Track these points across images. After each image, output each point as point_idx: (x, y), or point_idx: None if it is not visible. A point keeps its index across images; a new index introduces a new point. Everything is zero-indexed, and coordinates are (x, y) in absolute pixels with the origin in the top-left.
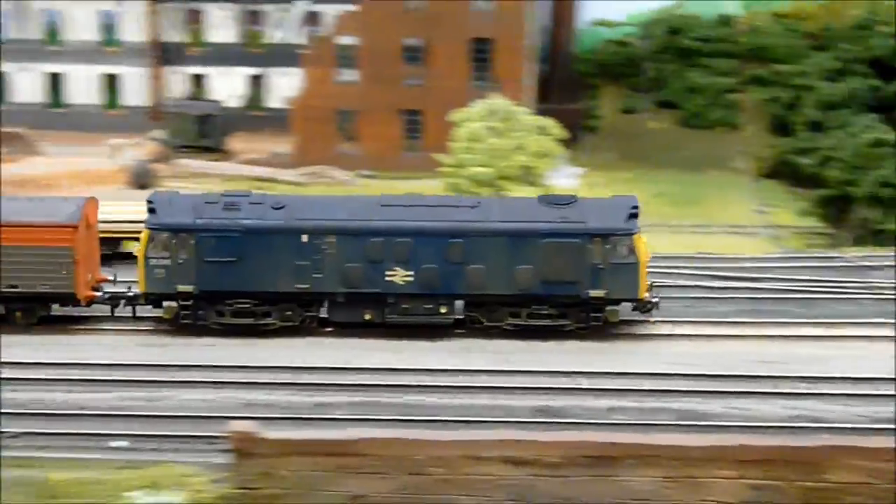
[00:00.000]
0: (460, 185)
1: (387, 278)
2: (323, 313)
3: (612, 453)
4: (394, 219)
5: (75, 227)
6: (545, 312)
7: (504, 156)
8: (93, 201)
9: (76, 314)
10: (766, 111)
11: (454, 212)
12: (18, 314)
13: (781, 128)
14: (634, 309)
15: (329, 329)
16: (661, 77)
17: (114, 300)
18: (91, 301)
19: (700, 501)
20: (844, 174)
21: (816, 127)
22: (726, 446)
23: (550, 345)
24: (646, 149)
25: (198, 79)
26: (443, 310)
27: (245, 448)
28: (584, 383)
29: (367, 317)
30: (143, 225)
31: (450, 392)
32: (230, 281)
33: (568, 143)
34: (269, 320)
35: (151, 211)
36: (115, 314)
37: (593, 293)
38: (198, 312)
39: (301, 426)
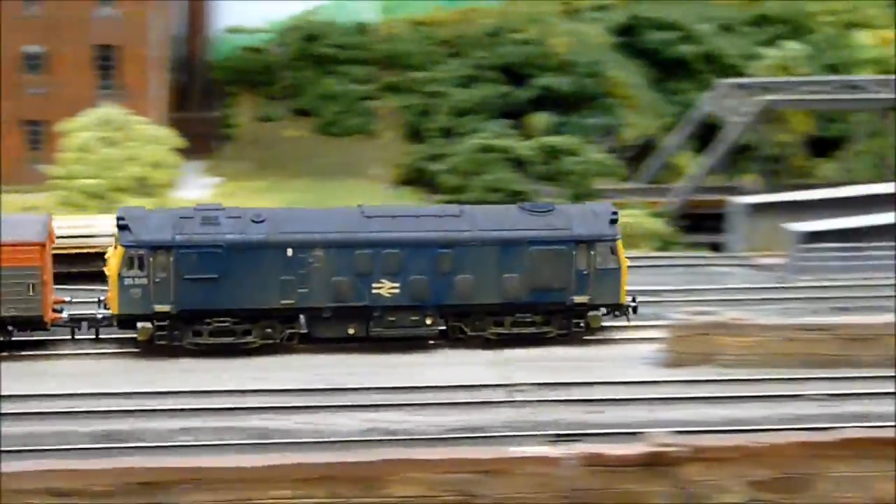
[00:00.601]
0: (71, 197)
1: (373, 291)
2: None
3: (162, 479)
4: (381, 230)
5: (43, 245)
6: (529, 320)
7: (116, 167)
8: (50, 218)
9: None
10: (401, 118)
11: (440, 222)
12: None
13: (417, 135)
14: (609, 313)
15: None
16: (297, 84)
17: (76, 322)
18: (54, 323)
19: None
20: (458, 180)
21: (449, 133)
22: (282, 465)
23: (115, 363)
24: (282, 157)
25: None
26: (428, 321)
27: None
28: (154, 405)
29: (351, 331)
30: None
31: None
32: (211, 298)
33: (205, 153)
34: (248, 339)
35: (124, 228)
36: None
37: (578, 299)
38: (173, 333)
39: None
